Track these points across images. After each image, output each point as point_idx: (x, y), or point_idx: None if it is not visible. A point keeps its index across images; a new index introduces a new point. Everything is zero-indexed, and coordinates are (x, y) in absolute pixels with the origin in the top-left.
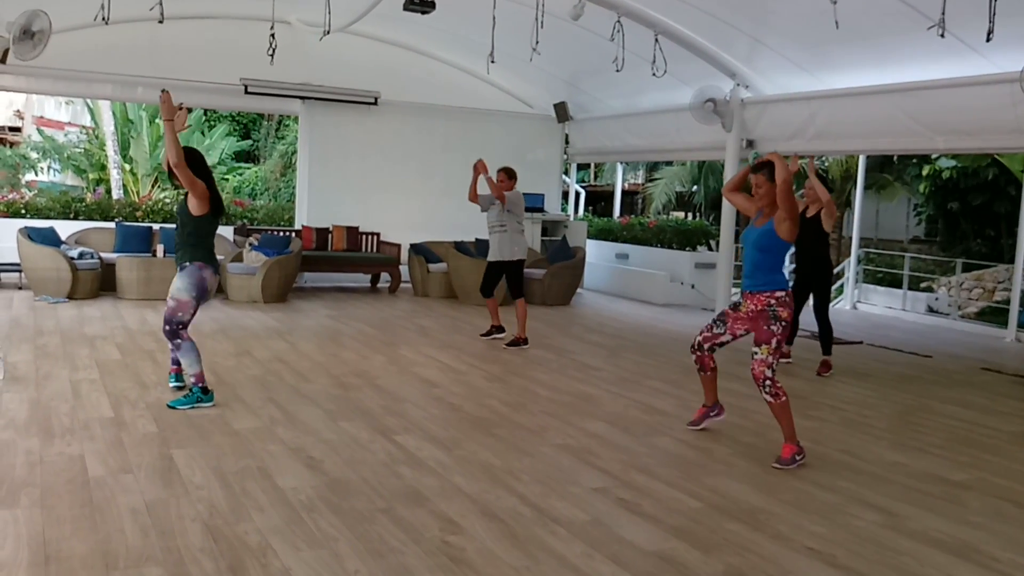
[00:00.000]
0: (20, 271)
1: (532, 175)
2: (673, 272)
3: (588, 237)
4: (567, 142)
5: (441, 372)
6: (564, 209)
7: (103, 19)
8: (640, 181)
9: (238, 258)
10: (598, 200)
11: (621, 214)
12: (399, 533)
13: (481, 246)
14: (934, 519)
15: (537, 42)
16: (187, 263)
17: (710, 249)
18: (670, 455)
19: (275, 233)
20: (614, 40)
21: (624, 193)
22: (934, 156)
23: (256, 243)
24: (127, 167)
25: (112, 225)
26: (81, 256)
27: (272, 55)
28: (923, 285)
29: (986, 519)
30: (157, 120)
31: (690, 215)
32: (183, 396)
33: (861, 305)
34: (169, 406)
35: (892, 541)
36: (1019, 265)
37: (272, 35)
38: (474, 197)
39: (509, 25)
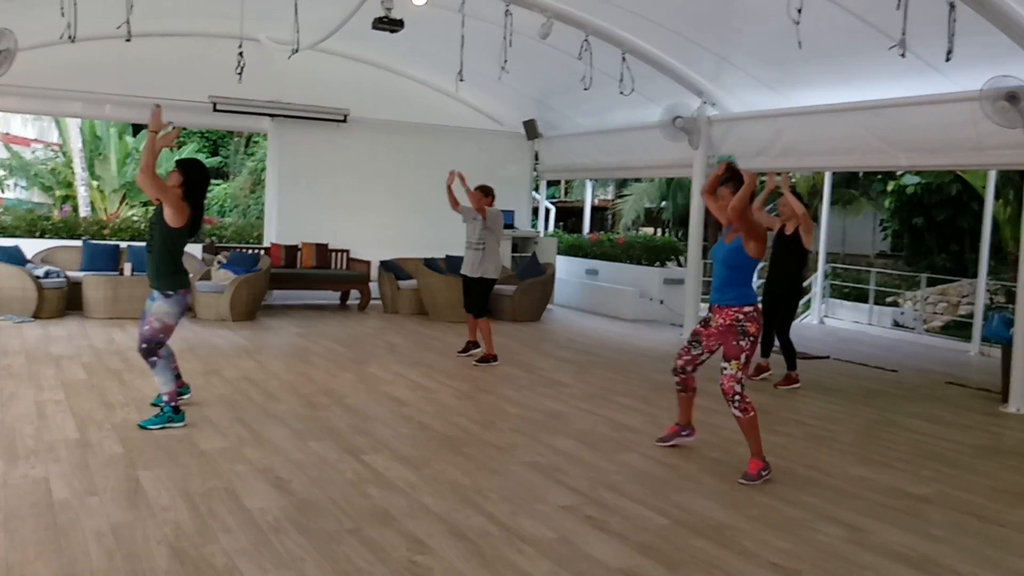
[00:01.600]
0: None
1: (502, 192)
2: (642, 288)
3: (558, 253)
4: (537, 159)
5: (410, 390)
6: (534, 225)
7: (69, 37)
8: (610, 197)
9: (206, 276)
10: (568, 216)
11: (591, 230)
12: (367, 554)
13: (451, 263)
14: (897, 533)
15: (506, 60)
16: (171, 292)
17: (679, 265)
18: (638, 472)
19: (244, 251)
20: (582, 59)
21: (594, 209)
22: (899, 172)
23: (224, 261)
24: (94, 184)
25: (79, 243)
26: (47, 275)
27: (240, 73)
28: (889, 300)
29: (948, 533)
30: (126, 136)
31: (659, 231)
32: (154, 416)
33: (828, 320)
34: (140, 426)
35: (856, 556)
36: (982, 280)
37: (240, 53)
38: (455, 206)
39: (478, 43)
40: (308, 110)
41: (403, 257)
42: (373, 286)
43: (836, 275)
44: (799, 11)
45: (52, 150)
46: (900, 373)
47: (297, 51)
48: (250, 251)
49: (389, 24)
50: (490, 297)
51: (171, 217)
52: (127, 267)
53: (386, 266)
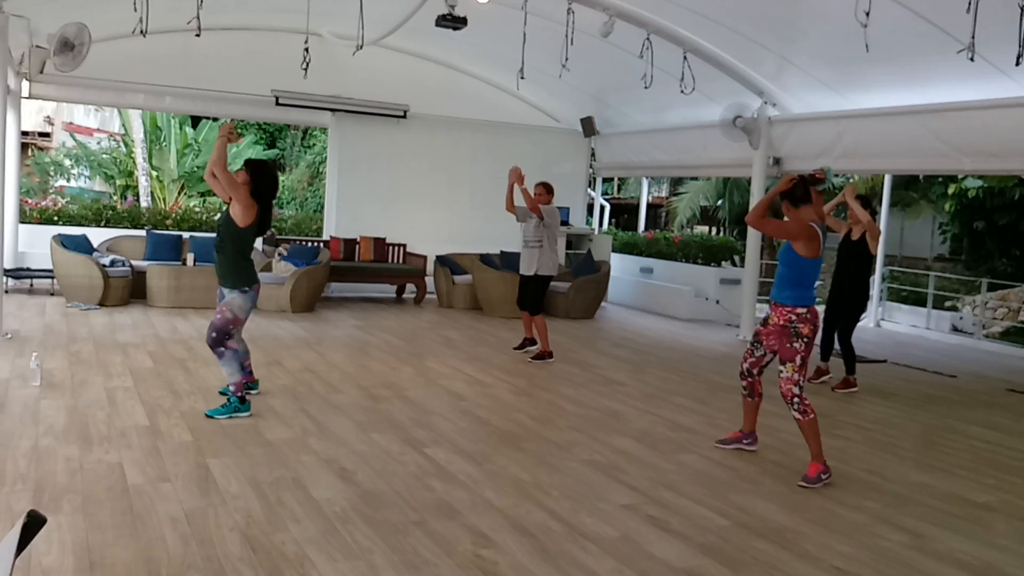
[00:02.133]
0: (52, 278)
1: (557, 188)
2: (698, 287)
3: (613, 251)
4: (593, 156)
5: (468, 385)
6: (589, 223)
7: (141, 32)
8: (664, 195)
9: (267, 268)
10: (622, 213)
11: (646, 228)
12: (432, 546)
13: (506, 259)
14: (959, 541)
15: (567, 59)
16: (247, 288)
17: (735, 265)
18: (697, 472)
19: (304, 243)
20: (643, 57)
21: (648, 207)
22: (961, 176)
23: (285, 253)
24: (154, 174)
25: (143, 233)
26: (113, 264)
27: (306, 69)
28: (947, 304)
29: (1011, 541)
30: (185, 127)
31: (714, 230)
32: (221, 405)
33: (885, 323)
34: (207, 415)
35: (918, 562)
36: None
37: (306, 49)
38: (511, 207)
39: (539, 41)
40: (369, 105)
41: (459, 252)
42: (429, 280)
43: (894, 278)
44: (867, 14)
45: (115, 140)
46: (959, 379)
47: (361, 47)
48: (310, 244)
49: (452, 22)
50: (546, 294)
51: (239, 215)
52: (190, 257)
53: (442, 261)
